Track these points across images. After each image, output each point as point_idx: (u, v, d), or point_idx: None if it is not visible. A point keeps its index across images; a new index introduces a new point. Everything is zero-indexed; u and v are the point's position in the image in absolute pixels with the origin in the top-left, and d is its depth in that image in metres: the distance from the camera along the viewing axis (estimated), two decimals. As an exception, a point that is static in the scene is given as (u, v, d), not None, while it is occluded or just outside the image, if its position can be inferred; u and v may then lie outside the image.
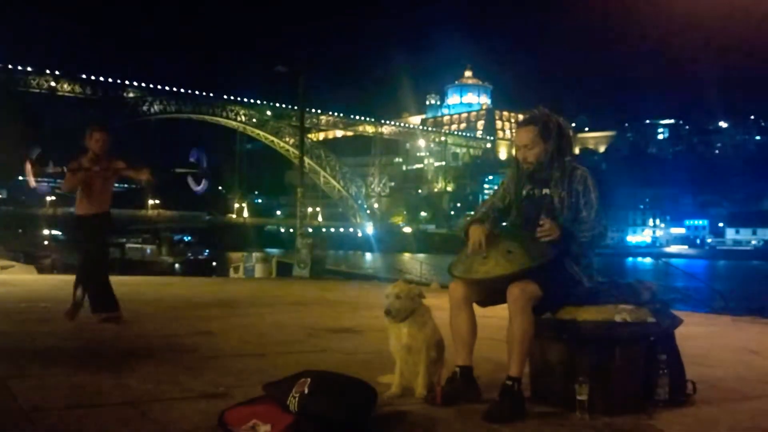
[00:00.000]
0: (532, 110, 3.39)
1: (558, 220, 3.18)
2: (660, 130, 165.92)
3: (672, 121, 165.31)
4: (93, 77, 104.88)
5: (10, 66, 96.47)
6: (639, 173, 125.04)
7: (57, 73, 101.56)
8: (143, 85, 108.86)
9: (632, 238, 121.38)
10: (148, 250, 46.72)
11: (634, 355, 3.09)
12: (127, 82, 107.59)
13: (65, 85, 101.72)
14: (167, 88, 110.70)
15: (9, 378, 3.38)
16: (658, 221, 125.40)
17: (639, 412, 2.99)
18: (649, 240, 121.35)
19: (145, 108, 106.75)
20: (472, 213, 3.54)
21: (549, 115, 3.32)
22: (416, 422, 2.81)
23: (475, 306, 3.26)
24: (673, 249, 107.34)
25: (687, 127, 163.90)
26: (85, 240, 5.94)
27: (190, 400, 3.07)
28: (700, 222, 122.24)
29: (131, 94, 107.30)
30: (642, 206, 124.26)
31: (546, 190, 3.29)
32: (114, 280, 6.06)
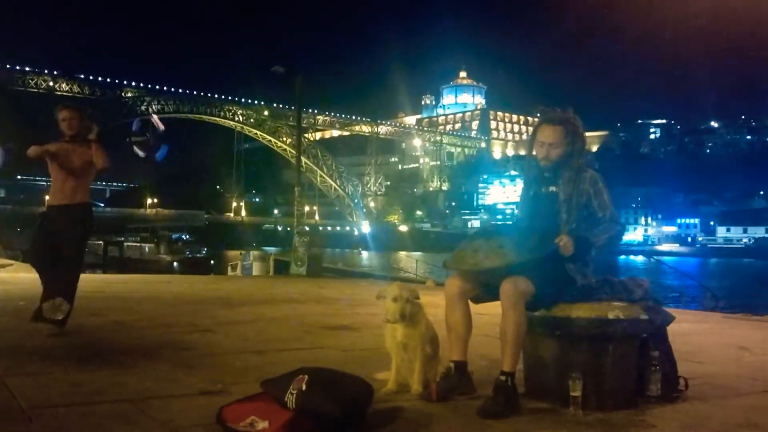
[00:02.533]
0: (555, 108, 3.42)
1: (559, 216, 3.24)
2: (652, 129, 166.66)
3: (664, 121, 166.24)
4: (91, 77, 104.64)
5: (8, 65, 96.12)
6: (631, 172, 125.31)
7: (55, 72, 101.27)
8: (141, 84, 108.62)
9: (624, 237, 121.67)
10: (147, 249, 46.66)
11: (626, 352, 3.12)
12: (125, 82, 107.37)
13: (63, 85, 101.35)
14: (165, 87, 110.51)
15: (7, 376, 3.39)
16: (650, 220, 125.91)
17: (632, 408, 3.03)
18: (641, 238, 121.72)
19: (143, 108, 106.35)
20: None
21: (575, 117, 3.37)
22: (412, 418, 2.83)
23: (470, 304, 3.30)
24: (665, 247, 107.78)
25: (679, 126, 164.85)
26: (35, 235, 5.02)
27: (189, 397, 3.09)
28: (692, 220, 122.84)
29: (129, 94, 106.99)
30: (634, 205, 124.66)
31: (552, 188, 3.33)
32: (113, 278, 5.99)
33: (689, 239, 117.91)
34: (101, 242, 49.32)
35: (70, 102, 5.40)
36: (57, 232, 4.90)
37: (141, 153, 5.85)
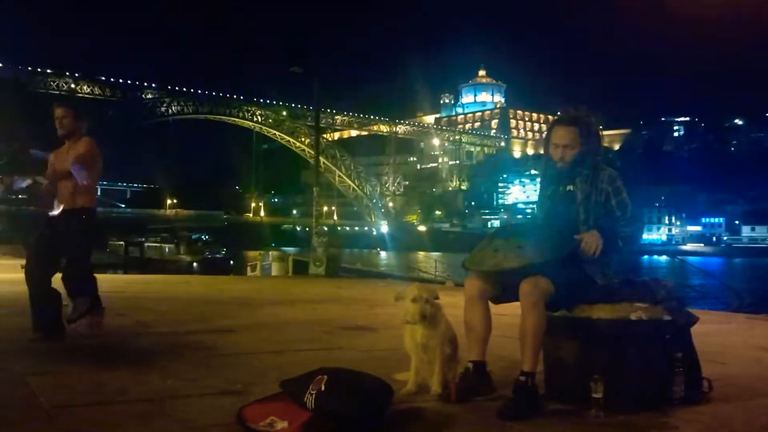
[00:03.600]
0: (569, 109, 3.40)
1: (579, 216, 3.21)
2: (676, 127, 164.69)
3: (688, 118, 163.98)
4: (112, 79, 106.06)
5: (29, 68, 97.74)
6: (654, 171, 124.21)
7: (76, 74, 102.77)
8: (161, 86, 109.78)
9: (647, 236, 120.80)
10: (167, 249, 47.05)
11: (649, 353, 3.08)
12: (145, 84, 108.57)
13: (84, 87, 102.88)
14: (185, 89, 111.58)
15: (30, 375, 3.44)
16: (673, 219, 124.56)
17: (654, 410, 2.98)
18: (664, 238, 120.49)
19: (163, 109, 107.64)
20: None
21: (590, 116, 3.34)
22: (431, 419, 2.82)
23: (490, 304, 3.27)
24: (689, 247, 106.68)
25: (703, 124, 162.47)
26: (33, 243, 4.91)
27: (209, 396, 3.11)
28: (716, 219, 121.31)
29: (149, 95, 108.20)
30: (657, 204, 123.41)
31: (570, 187, 3.30)
32: (134, 278, 5.95)
33: (714, 239, 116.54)
34: (122, 243, 49.91)
35: (63, 100, 5.05)
36: (55, 239, 4.70)
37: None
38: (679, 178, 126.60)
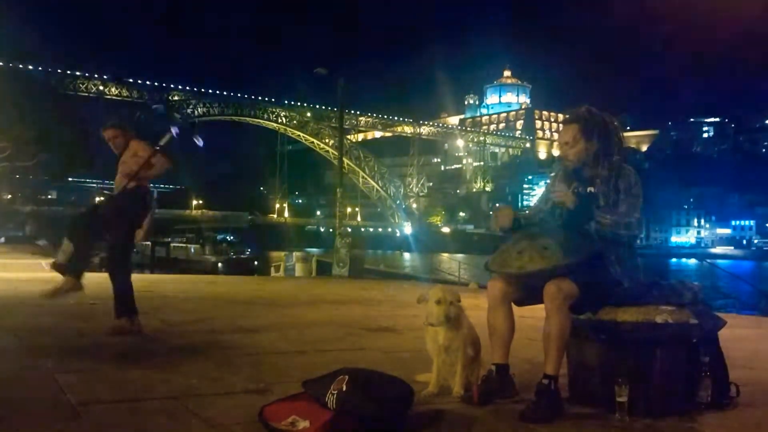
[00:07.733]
0: (576, 108, 3.35)
1: (603, 220, 3.16)
2: (705, 128, 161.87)
3: (717, 119, 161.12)
4: (139, 81, 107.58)
5: (59, 70, 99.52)
6: (683, 172, 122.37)
7: (105, 77, 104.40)
8: (187, 88, 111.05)
9: (676, 239, 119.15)
10: (192, 249, 47.47)
11: (675, 357, 3.03)
12: (171, 86, 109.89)
13: (112, 89, 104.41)
14: (210, 90, 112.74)
15: (58, 372, 3.50)
16: (702, 221, 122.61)
17: (681, 415, 2.94)
18: (693, 240, 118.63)
19: (189, 111, 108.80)
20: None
21: (592, 113, 3.26)
22: (453, 421, 2.81)
23: (513, 306, 3.25)
24: (719, 250, 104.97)
25: (733, 125, 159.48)
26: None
27: (232, 395, 3.14)
28: (747, 222, 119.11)
29: (176, 97, 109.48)
30: (686, 206, 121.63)
31: (591, 189, 3.25)
32: (160, 278, 5.98)
33: (744, 241, 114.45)
34: (149, 243, 50.55)
35: (108, 122, 5.33)
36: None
37: (200, 141, 6.27)
38: (709, 180, 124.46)
